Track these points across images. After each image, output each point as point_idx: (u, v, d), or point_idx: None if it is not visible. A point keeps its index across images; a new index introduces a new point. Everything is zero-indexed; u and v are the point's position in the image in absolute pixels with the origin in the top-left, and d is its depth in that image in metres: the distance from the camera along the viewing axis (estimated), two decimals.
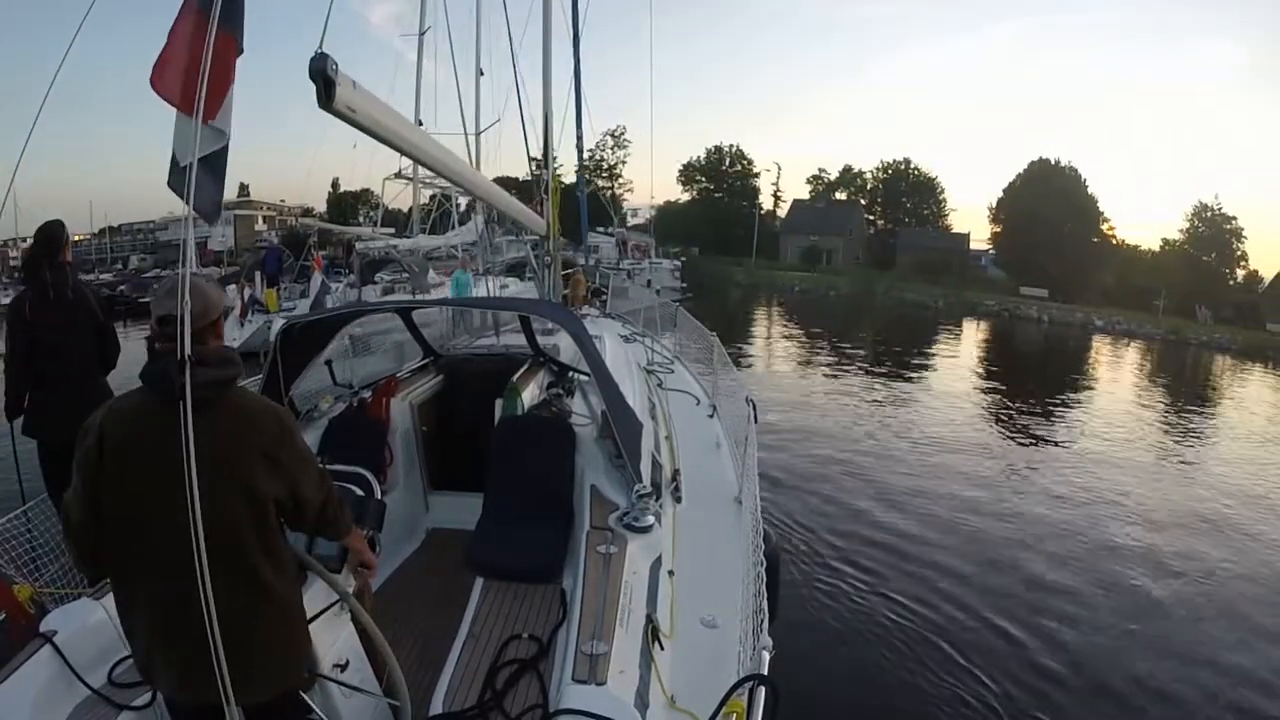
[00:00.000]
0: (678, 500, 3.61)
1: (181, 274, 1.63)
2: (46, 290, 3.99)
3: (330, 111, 2.27)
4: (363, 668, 2.31)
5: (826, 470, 9.53)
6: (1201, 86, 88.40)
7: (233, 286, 14.76)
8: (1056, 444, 12.61)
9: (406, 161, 20.29)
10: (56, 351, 4.00)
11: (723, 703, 1.87)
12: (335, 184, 64.24)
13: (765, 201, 65.80)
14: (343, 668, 2.21)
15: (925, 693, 5.00)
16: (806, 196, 67.23)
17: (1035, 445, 12.35)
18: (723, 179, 66.19)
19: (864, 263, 58.45)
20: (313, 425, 3.89)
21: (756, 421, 4.56)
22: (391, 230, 22.86)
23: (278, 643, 1.80)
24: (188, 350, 1.58)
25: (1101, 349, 31.49)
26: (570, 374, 4.58)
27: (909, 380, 18.24)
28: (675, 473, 3.81)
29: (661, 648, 2.39)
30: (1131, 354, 30.80)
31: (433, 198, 23.54)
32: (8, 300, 8.43)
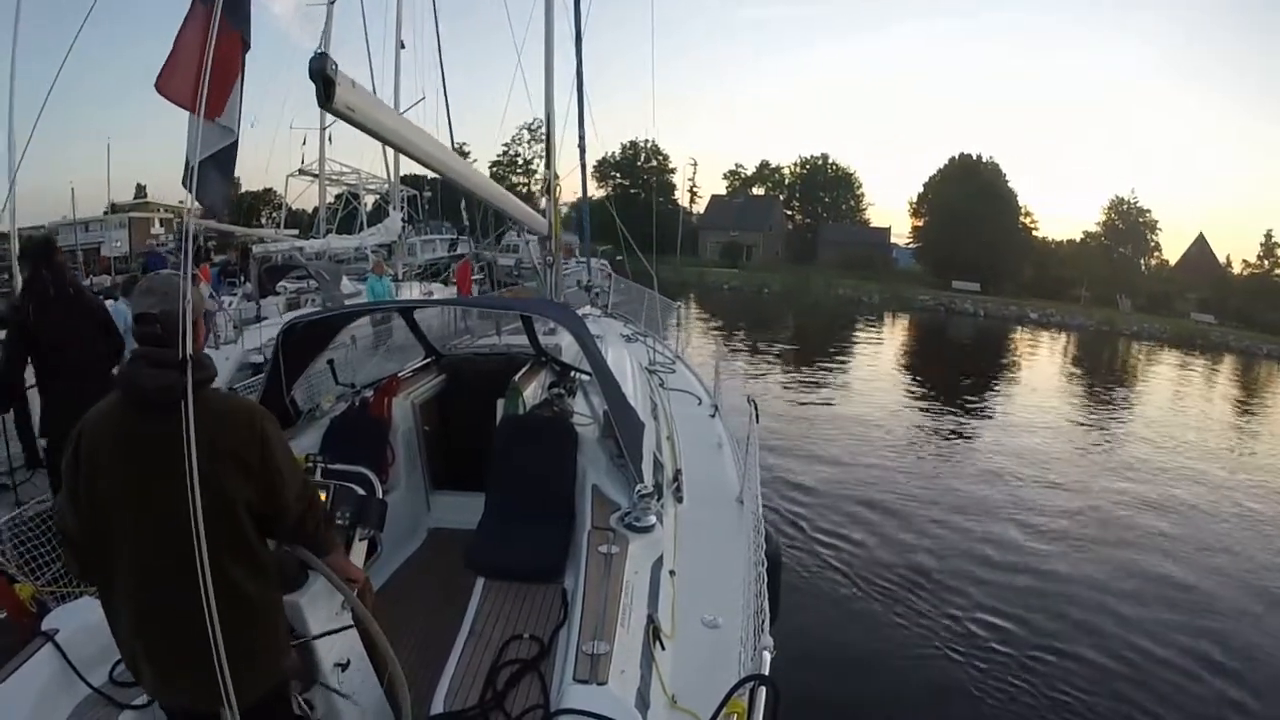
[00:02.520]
0: (679, 500, 3.60)
1: (182, 274, 1.63)
2: (47, 290, 4.02)
3: (330, 111, 2.28)
4: (364, 667, 2.31)
5: (852, 495, 9.43)
6: (1115, 84, 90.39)
7: (110, 301, 12.29)
8: (1037, 438, 12.65)
9: (311, 156, 18.55)
10: (62, 349, 4.01)
11: (724, 703, 1.87)
12: (236, 183, 62.20)
13: (681, 198, 63.54)
14: (344, 667, 2.21)
15: (926, 690, 5.00)
16: (723, 192, 66.20)
17: (1010, 439, 12.39)
18: (638, 175, 63.23)
19: (784, 258, 57.77)
20: (314, 425, 3.89)
21: (758, 421, 4.56)
22: (296, 232, 20.38)
23: (253, 648, 1.77)
24: (188, 350, 1.58)
25: (1044, 342, 31.75)
26: (572, 374, 4.58)
27: (898, 386, 18.28)
28: (677, 472, 3.81)
29: (663, 648, 2.39)
30: (1075, 346, 30.99)
31: (339, 196, 21.82)
32: None
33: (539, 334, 5.01)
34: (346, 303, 11.36)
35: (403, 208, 22.54)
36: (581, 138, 10.42)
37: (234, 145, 2.27)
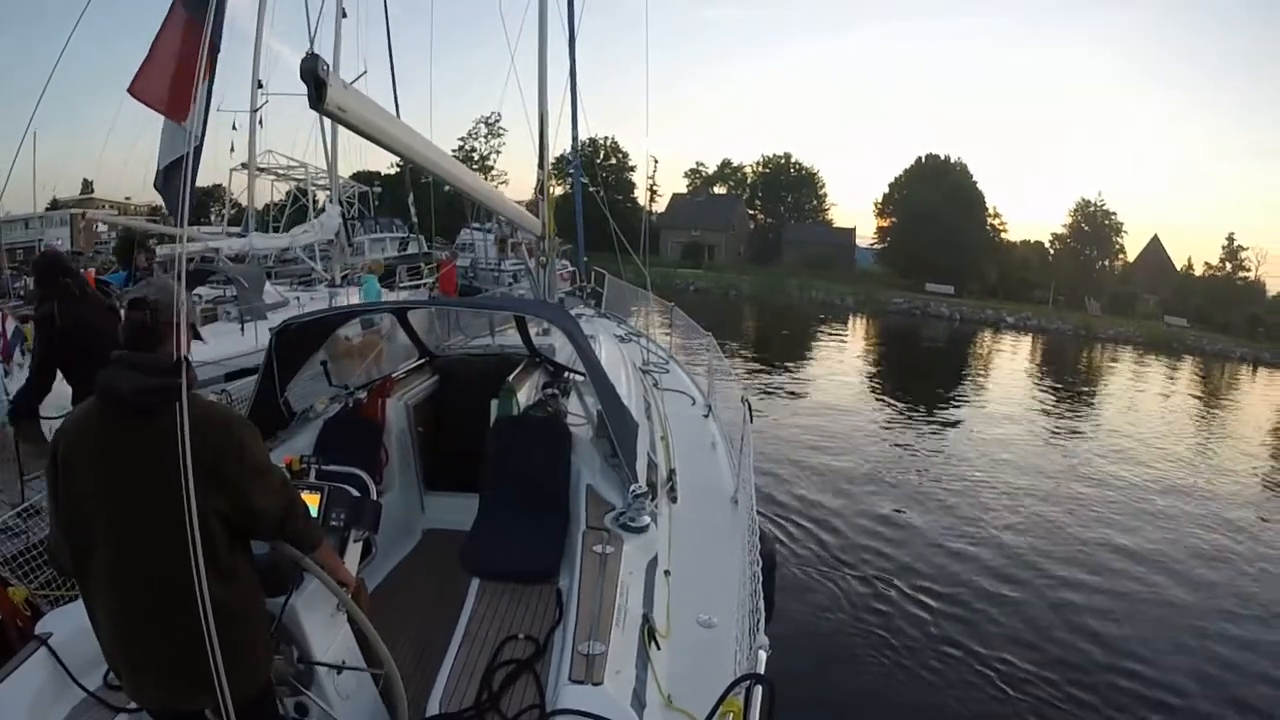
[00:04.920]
0: (673, 500, 3.61)
1: (178, 274, 1.63)
2: (71, 291, 4.04)
3: (321, 112, 2.27)
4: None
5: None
6: (1078, 86, 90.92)
7: None
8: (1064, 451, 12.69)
9: (245, 145, 16.54)
10: (101, 343, 3.99)
11: (719, 702, 1.88)
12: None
13: (641, 196, 59.76)
14: (339, 669, 2.21)
15: (923, 688, 5.03)
16: (684, 191, 64.73)
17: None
18: (597, 173, 57.54)
19: (746, 258, 56.69)
20: (308, 426, 3.88)
21: (752, 422, 4.57)
22: (238, 230, 17.45)
23: (226, 653, 1.69)
24: (184, 351, 1.58)
25: (1025, 347, 31.52)
26: (566, 374, 4.58)
27: (887, 392, 18.26)
28: (671, 473, 3.82)
29: (658, 647, 2.40)
30: (1059, 352, 30.67)
31: (288, 193, 20.20)
32: None
33: (532, 334, 5.00)
34: (270, 315, 9.92)
35: (353, 204, 21.01)
36: (575, 137, 10.41)
37: (199, 147, 2.28)
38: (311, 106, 2.25)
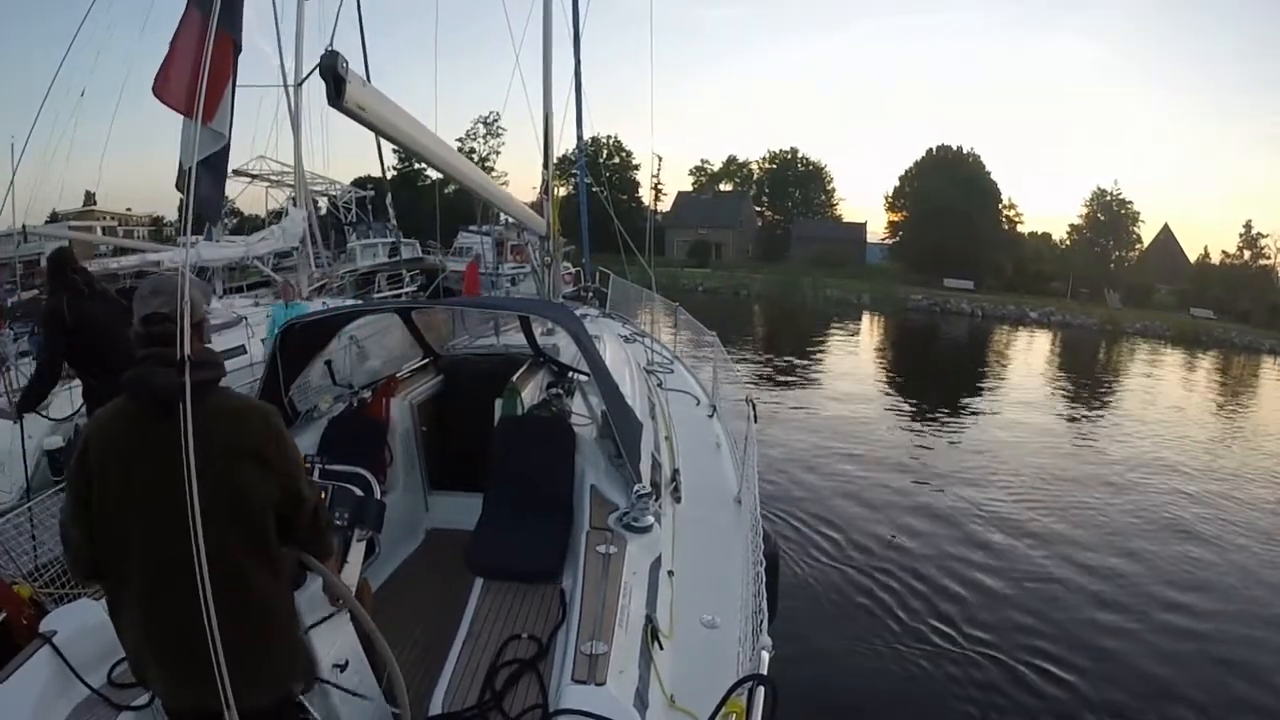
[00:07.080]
0: (677, 500, 3.61)
1: (181, 274, 1.63)
2: (80, 288, 4.07)
3: (340, 109, 2.28)
4: (362, 668, 2.31)
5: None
6: (1073, 86, 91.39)
7: None
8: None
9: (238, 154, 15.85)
10: (111, 340, 4.02)
11: (722, 703, 1.88)
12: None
13: (645, 195, 58.54)
14: (342, 668, 2.21)
15: (925, 689, 5.01)
16: (689, 189, 64.39)
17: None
18: (600, 172, 57.09)
19: (754, 256, 55.70)
20: (312, 425, 3.89)
21: (756, 421, 4.57)
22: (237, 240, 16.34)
23: (270, 649, 1.76)
24: (188, 350, 1.58)
25: (1054, 343, 30.64)
26: (570, 374, 4.58)
27: (914, 395, 18.07)
28: (675, 473, 3.81)
29: (661, 648, 2.40)
30: (1092, 348, 29.60)
31: (286, 201, 18.71)
32: None
33: (537, 334, 5.01)
34: (213, 338, 9.08)
35: (350, 209, 21.14)
36: (579, 137, 10.40)
37: (225, 149, 2.29)
38: (331, 104, 2.26)
